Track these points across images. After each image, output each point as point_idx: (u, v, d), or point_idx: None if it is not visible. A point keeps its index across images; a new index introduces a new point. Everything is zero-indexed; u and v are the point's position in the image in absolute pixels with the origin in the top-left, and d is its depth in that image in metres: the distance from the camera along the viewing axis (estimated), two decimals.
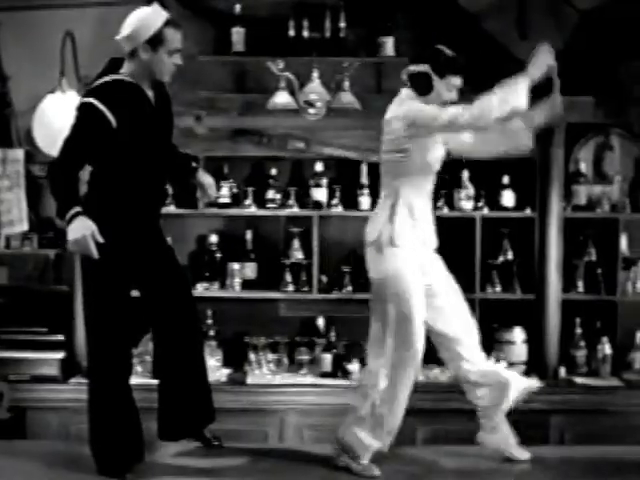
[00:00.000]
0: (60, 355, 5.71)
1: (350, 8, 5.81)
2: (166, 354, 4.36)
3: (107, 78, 4.07)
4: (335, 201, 5.92)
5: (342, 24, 5.79)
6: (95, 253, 3.92)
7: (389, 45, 5.84)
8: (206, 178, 4.44)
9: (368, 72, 5.97)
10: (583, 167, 5.95)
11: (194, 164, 4.45)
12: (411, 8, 5.99)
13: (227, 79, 6.01)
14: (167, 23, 4.04)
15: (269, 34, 5.81)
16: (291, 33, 5.76)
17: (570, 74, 5.58)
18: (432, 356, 5.73)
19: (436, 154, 4.24)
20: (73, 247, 3.96)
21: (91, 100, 3.99)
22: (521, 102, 3.96)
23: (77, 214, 3.90)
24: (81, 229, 3.90)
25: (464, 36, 5.96)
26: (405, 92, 4.25)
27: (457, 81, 4.20)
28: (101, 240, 3.93)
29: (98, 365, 4.22)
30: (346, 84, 5.63)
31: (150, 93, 4.15)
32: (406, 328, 4.13)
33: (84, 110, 4.00)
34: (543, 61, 4.04)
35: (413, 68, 4.21)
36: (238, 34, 5.82)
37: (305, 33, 5.76)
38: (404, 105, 4.18)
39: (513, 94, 3.96)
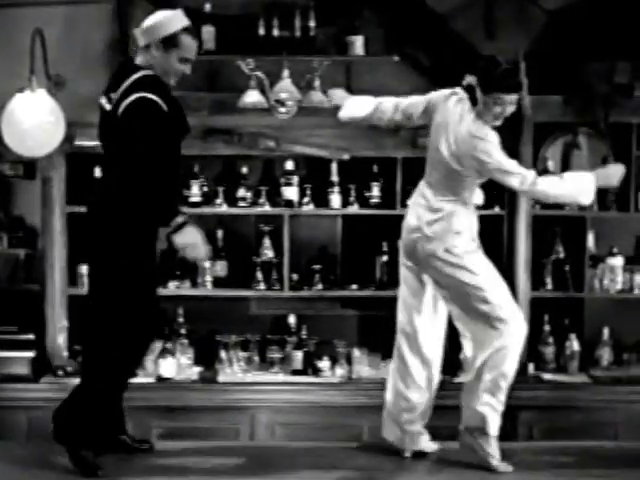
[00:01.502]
0: (31, 354, 5.69)
1: (320, 7, 5.83)
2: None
3: (139, 74, 4.07)
4: (306, 199, 5.94)
5: (312, 23, 5.80)
6: (207, 258, 4.19)
7: (359, 44, 5.86)
8: None
9: (338, 71, 5.98)
10: (551, 165, 5.99)
11: None
12: (380, 7, 6.02)
13: (197, 78, 5.96)
14: (186, 30, 4.08)
15: (239, 33, 5.82)
16: (261, 32, 5.76)
17: (538, 73, 5.67)
18: None
19: None
20: (188, 252, 4.01)
21: (144, 94, 3.97)
22: (587, 202, 4.21)
23: (186, 222, 3.96)
24: (194, 235, 3.98)
25: (432, 35, 6.03)
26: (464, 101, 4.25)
27: (508, 98, 4.15)
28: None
29: (107, 364, 4.17)
30: (316, 83, 5.66)
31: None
32: None
33: (143, 105, 3.96)
34: (612, 180, 4.24)
35: (466, 80, 4.20)
36: (208, 33, 5.81)
37: (275, 32, 5.77)
38: (471, 128, 4.17)
39: (583, 196, 4.17)
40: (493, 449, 4.31)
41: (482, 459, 4.31)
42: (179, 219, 3.97)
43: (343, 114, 4.63)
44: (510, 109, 4.18)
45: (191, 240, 3.98)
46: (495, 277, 4.33)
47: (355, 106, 4.60)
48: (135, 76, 4.06)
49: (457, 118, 4.25)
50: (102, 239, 4.09)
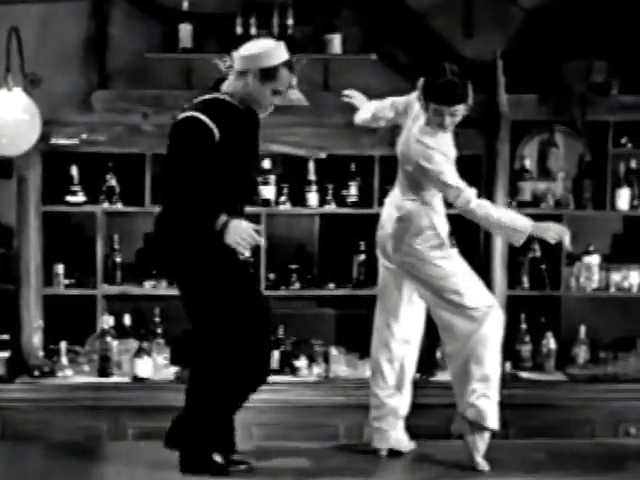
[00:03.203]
0: (6, 354, 5.65)
1: (298, 5, 5.83)
2: None
3: (206, 96, 4.12)
4: (283, 198, 5.93)
5: (290, 21, 5.80)
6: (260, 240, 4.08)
7: (336, 42, 5.86)
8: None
9: (315, 69, 5.99)
10: (528, 164, 6.01)
11: None
12: (358, 5, 6.02)
13: (174, 76, 5.99)
14: (286, 64, 4.11)
15: (217, 31, 5.81)
16: (239, 30, 5.76)
17: (514, 72, 5.70)
18: None
19: None
20: (241, 247, 4.02)
21: (194, 114, 4.02)
22: (517, 243, 4.22)
23: (227, 221, 3.97)
24: (239, 228, 3.98)
25: (410, 34, 6.04)
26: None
27: (447, 109, 4.15)
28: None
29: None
30: (294, 81, 5.65)
31: (250, 116, 4.20)
32: None
33: (189, 124, 4.02)
34: (548, 235, 4.23)
35: (418, 83, 4.23)
36: (185, 31, 5.80)
37: (253, 30, 5.76)
38: (418, 132, 4.21)
39: (516, 235, 4.18)
40: (482, 444, 4.33)
41: (467, 449, 4.33)
42: (221, 220, 3.98)
43: (357, 118, 4.70)
44: (451, 120, 4.18)
45: (237, 235, 3.98)
46: (465, 269, 4.35)
47: (364, 109, 4.65)
48: (203, 97, 4.12)
49: (413, 119, 4.30)
50: (173, 258, 4.14)
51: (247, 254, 4.19)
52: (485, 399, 4.28)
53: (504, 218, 4.19)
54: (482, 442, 4.32)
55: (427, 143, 4.18)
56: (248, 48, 4.13)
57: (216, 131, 4.01)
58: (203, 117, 4.01)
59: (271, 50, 4.10)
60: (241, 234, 3.98)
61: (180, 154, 4.02)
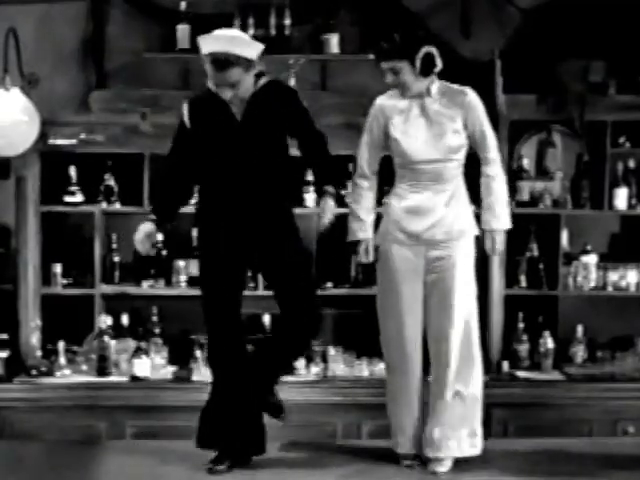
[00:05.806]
0: (4, 354, 5.66)
1: (295, 6, 5.84)
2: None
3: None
4: None
5: (287, 21, 5.81)
6: (144, 251, 4.33)
7: (334, 42, 5.87)
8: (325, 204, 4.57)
9: (313, 69, 6.00)
10: (526, 163, 6.01)
11: (329, 189, 4.61)
12: (355, 6, 6.03)
13: (172, 76, 6.00)
14: (206, 56, 4.17)
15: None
16: None
17: (512, 72, 5.70)
18: (377, 351, 5.81)
19: None
20: (135, 244, 4.33)
21: (184, 102, 4.30)
22: (487, 225, 4.35)
23: (146, 220, 4.31)
24: (140, 232, 4.28)
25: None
26: (440, 84, 4.34)
27: (384, 66, 4.39)
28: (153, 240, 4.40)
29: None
30: (292, 81, 5.66)
31: (236, 105, 4.23)
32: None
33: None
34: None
35: (425, 50, 4.24)
36: (183, 31, 5.81)
37: (250, 30, 5.77)
38: (472, 102, 4.29)
39: (497, 221, 4.34)
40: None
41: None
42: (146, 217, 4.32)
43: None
44: (393, 78, 4.31)
45: (136, 236, 4.30)
46: None
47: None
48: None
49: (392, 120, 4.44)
50: None
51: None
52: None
53: (505, 199, 4.34)
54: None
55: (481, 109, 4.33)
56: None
57: (187, 120, 4.20)
58: (185, 105, 4.24)
59: (200, 41, 4.19)
60: (137, 237, 4.28)
61: None
